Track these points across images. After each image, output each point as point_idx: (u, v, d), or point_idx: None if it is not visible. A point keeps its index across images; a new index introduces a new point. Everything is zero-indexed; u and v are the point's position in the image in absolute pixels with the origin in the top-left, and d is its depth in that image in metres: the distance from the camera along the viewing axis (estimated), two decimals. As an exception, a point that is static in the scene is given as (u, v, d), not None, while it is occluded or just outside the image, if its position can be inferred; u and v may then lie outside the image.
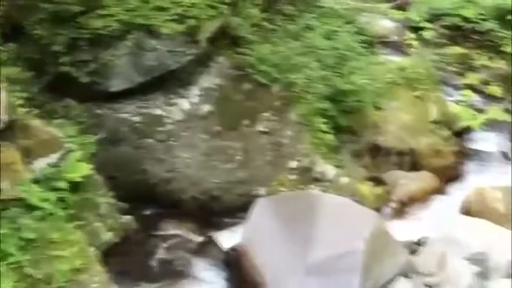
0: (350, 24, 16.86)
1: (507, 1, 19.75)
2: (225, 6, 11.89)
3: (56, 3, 11.40)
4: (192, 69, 12.38)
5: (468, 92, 8.16)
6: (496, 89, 8.30)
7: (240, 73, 12.73)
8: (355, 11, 17.60)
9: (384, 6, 20.22)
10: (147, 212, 12.47)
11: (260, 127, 12.82)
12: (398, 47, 22.25)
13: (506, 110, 7.97)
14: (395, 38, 22.99)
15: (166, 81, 12.37)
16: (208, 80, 12.60)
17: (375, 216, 10.67)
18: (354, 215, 10.43)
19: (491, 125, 17.97)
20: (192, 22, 11.56)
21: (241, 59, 12.79)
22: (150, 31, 11.62)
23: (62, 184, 9.90)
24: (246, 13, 13.36)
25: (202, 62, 12.45)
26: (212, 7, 11.73)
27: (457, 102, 8.40)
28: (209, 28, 11.97)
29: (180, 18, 11.54)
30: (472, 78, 9.33)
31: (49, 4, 11.46)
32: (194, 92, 12.53)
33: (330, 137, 13.68)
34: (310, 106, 13.56)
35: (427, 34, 9.61)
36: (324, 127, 13.66)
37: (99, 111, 12.31)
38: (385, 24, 22.18)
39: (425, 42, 19.70)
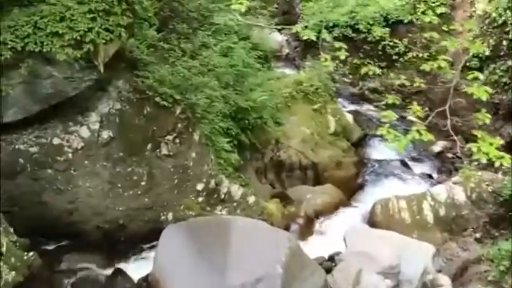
0: (245, 41, 16.81)
1: (393, 10, 20.19)
2: (122, 29, 11.47)
3: None
4: (90, 95, 11.93)
5: (389, 113, 8.08)
6: (417, 108, 8.24)
7: (140, 96, 12.34)
8: (248, 27, 17.51)
9: (274, 20, 20.22)
10: (51, 247, 11.95)
11: (164, 151, 12.50)
12: (291, 61, 22.51)
13: (429, 129, 7.87)
14: (286, 51, 23.25)
15: (64, 109, 11.87)
16: (108, 105, 12.18)
17: (289, 238, 10.57)
18: (268, 237, 10.30)
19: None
20: (89, 47, 11.08)
21: (141, 81, 12.41)
22: (46, 58, 11.08)
23: (-39, 226, 9.24)
24: (142, 34, 13.00)
25: (100, 87, 12.01)
26: (109, 31, 11.30)
27: (380, 124, 8.26)
28: (107, 52, 11.54)
29: (77, 44, 11.05)
30: (392, 98, 9.27)
31: None
32: (93, 118, 12.09)
33: (234, 156, 13.53)
34: (212, 126, 13.37)
35: (341, 53, 9.47)
36: (227, 146, 13.51)
37: (-7, 143, 11.68)
38: (276, 38, 22.40)
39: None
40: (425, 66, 8.21)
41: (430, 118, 7.46)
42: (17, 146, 11.79)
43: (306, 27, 20.03)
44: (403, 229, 13.09)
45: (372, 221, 13.62)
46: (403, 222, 13.34)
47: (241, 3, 8.09)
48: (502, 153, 6.34)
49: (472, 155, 6.77)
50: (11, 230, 10.99)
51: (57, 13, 11.06)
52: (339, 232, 13.08)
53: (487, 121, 7.20)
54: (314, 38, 8.65)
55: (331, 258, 11.77)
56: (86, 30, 11.08)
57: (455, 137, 7.70)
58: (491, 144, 6.33)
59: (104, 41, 11.23)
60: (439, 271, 11.97)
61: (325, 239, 13.20)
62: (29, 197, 11.88)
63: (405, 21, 19.97)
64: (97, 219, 12.17)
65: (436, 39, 17.78)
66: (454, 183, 13.59)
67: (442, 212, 13.29)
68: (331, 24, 20.73)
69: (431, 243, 12.54)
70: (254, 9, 18.55)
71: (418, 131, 7.06)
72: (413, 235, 12.98)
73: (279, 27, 20.29)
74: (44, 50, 10.97)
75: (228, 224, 10.52)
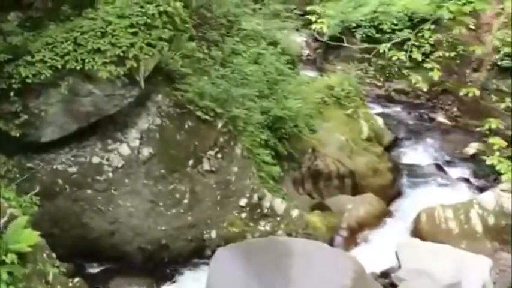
0: (273, 45, 16.34)
1: (419, 10, 19.78)
2: (164, 43, 11.01)
3: (-23, 52, 10.20)
4: (129, 111, 11.50)
5: (497, 140, 7.58)
6: (499, 141, 7.74)
7: (181, 111, 11.90)
8: (275, 31, 17.04)
9: (296, 22, 19.72)
10: (94, 270, 11.49)
11: (206, 166, 12.06)
12: (312, 62, 22.05)
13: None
14: (306, 52, 22.78)
15: (103, 126, 11.43)
16: (148, 121, 11.73)
17: (354, 260, 10.10)
18: (332, 260, 9.84)
19: (418, 137, 18.03)
20: (132, 63, 10.62)
21: (180, 95, 11.96)
22: (86, 75, 10.61)
23: (10, 257, 8.75)
24: (180, 46, 12.52)
25: (139, 103, 11.56)
26: (151, 45, 10.84)
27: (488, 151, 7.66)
28: (147, 67, 11.09)
29: (120, 60, 10.59)
30: (495, 122, 8.72)
31: (-30, 53, 10.25)
32: (133, 135, 11.64)
33: (275, 169, 13.12)
34: (253, 138, 12.95)
35: (434, 74, 8.81)
36: (268, 159, 13.08)
37: (30, 164, 11.23)
38: (295, 39, 21.87)
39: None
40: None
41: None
42: (55, 166, 11.35)
43: (328, 27, 19.46)
44: (450, 239, 12.70)
45: (418, 232, 13.17)
46: (451, 232, 12.92)
47: (322, 23, 7.61)
48: None
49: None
50: (54, 255, 10.51)
51: (97, 28, 10.61)
52: (385, 244, 12.73)
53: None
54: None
55: (385, 275, 11.35)
56: (129, 45, 10.62)
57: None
58: None
59: (146, 57, 10.76)
60: (494, 283, 11.57)
61: (371, 251, 12.72)
62: (69, 218, 11.46)
63: (431, 20, 19.48)
64: (139, 239, 11.73)
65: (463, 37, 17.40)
66: (502, 190, 13.15)
67: (491, 220, 12.88)
68: (353, 25, 20.32)
69: (481, 253, 12.15)
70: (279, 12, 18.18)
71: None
72: (461, 245, 12.57)
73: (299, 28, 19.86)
74: (86, 68, 10.50)
75: (286, 246, 10.04)
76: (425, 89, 10.93)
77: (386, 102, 19.71)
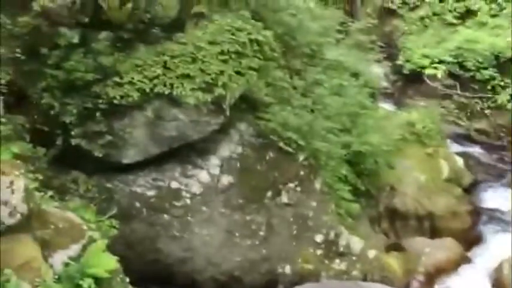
0: (355, 77, 16.04)
1: (505, 49, 19.23)
2: (253, 72, 10.84)
3: (67, 70, 10.16)
4: (211, 138, 11.32)
5: None
6: None
7: (263, 141, 11.69)
8: (357, 62, 16.73)
9: (378, 55, 19.39)
10: (166, 297, 11.32)
11: (284, 199, 11.79)
12: (390, 95, 21.59)
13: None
14: (384, 85, 22.29)
15: (183, 151, 11.28)
16: (229, 149, 11.55)
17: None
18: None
19: (498, 180, 17.41)
20: (220, 91, 10.47)
21: (263, 124, 11.74)
22: (172, 100, 10.51)
23: (87, 282, 8.60)
24: (264, 74, 12.30)
25: (222, 130, 11.39)
26: (240, 73, 10.69)
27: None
28: (233, 94, 10.94)
29: (208, 87, 10.45)
30: None
31: (59, 71, 10.23)
32: (214, 162, 11.46)
33: (354, 206, 12.76)
34: (333, 173, 12.61)
35: None
36: (347, 195, 12.72)
37: (109, 184, 11.16)
38: (373, 70, 21.46)
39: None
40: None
41: None
42: (133, 189, 11.24)
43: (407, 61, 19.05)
44: (534, 294, 12.11)
45: (499, 282, 12.63)
46: (535, 287, 12.32)
47: (436, 68, 7.29)
48: None
49: None
50: (127, 279, 10.35)
51: (188, 54, 10.50)
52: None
53: None
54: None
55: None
56: (218, 73, 10.48)
57: None
58: None
59: (235, 85, 10.60)
60: None
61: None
62: (144, 242, 11.31)
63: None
64: (212, 269, 11.49)
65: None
66: None
67: None
68: (436, 60, 19.82)
69: None
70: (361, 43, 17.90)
71: None
72: (547, 301, 11.99)
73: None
74: (174, 93, 10.39)
75: (369, 293, 9.68)
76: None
77: (466, 141, 19.11)
